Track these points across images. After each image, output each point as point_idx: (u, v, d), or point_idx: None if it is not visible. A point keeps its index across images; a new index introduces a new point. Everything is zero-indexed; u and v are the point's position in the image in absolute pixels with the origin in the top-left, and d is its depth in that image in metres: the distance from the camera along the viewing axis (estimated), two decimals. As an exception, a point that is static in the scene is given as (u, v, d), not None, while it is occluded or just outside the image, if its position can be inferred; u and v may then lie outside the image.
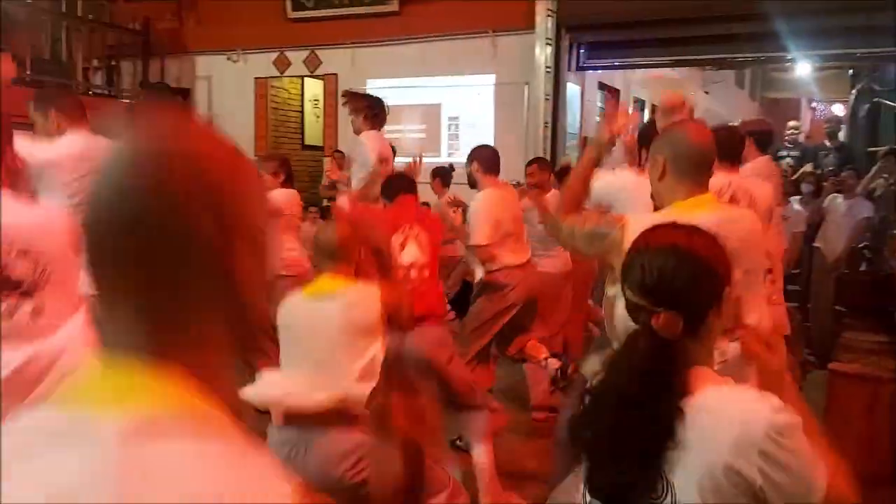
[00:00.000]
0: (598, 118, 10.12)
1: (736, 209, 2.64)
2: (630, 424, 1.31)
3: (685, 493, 1.28)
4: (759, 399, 1.31)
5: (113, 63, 10.05)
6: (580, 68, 8.51)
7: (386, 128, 8.50)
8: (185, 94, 9.75)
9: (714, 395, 1.32)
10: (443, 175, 6.95)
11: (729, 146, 3.17)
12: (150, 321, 0.72)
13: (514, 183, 7.92)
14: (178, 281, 0.72)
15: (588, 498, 1.41)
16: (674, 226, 1.49)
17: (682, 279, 1.36)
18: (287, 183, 4.87)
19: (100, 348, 0.73)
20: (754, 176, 3.49)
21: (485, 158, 4.33)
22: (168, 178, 0.71)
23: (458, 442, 4.10)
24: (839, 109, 12.18)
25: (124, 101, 9.29)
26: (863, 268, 5.42)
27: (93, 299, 0.78)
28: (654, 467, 1.29)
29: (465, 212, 4.58)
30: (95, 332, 0.76)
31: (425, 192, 6.56)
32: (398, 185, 3.76)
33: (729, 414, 1.28)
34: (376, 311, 2.49)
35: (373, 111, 4.80)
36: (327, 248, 2.63)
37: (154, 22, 9.81)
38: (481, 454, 3.37)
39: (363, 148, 4.65)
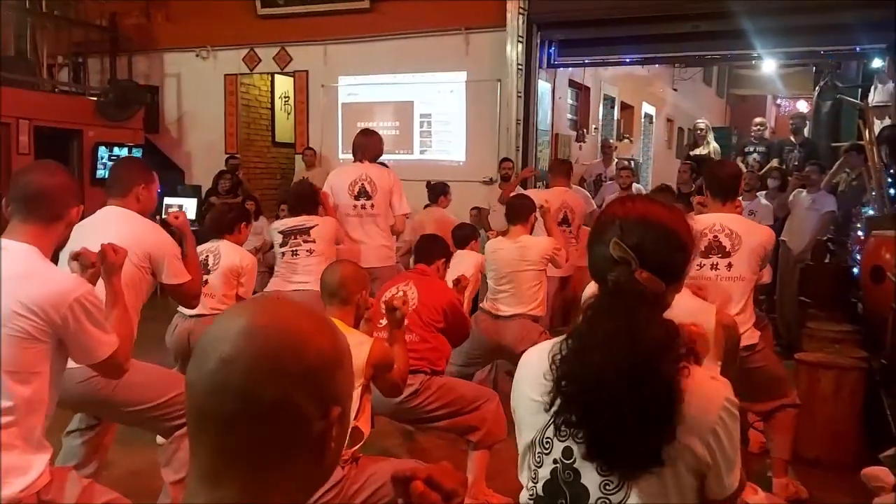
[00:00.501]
0: (569, 115, 10.22)
1: None
2: (626, 383, 1.23)
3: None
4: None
5: (80, 60, 9.91)
6: (551, 65, 8.58)
7: (358, 124, 8.56)
8: (153, 92, 9.65)
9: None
10: (434, 189, 7.04)
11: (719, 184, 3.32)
12: (238, 487, 0.78)
13: (486, 179, 8.02)
14: (273, 450, 0.78)
15: (538, 488, 1.37)
16: (650, 199, 1.48)
17: (659, 251, 1.33)
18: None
19: None
20: None
21: (507, 208, 4.49)
22: (271, 357, 0.77)
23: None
24: (804, 106, 12.40)
25: (91, 98, 9.17)
26: (827, 260, 5.53)
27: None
28: (663, 423, 1.23)
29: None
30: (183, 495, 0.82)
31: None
32: (416, 256, 3.90)
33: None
34: (360, 360, 2.44)
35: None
36: (329, 287, 2.66)
37: (122, 18, 9.68)
38: (478, 455, 3.38)
39: None
